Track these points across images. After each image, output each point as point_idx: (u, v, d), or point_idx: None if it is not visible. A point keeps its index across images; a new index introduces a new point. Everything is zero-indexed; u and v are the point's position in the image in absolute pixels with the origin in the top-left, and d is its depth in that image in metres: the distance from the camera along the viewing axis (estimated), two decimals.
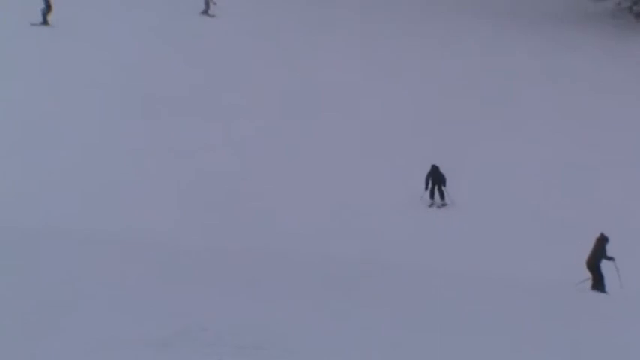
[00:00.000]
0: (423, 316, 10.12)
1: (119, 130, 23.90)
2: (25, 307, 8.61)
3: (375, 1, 40.06)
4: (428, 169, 21.66)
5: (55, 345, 7.42)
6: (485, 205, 21.52)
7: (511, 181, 23.04)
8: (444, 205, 21.83)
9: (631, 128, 27.74)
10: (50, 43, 30.42)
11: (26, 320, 8.17)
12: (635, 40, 37.59)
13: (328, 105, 27.38)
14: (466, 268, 16.42)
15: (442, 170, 21.66)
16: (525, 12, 40.39)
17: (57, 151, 21.89)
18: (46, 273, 10.55)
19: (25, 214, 17.56)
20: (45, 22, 31.56)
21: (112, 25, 32.38)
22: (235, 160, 22.84)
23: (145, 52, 30.22)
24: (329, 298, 10.88)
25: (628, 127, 27.75)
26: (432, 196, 21.89)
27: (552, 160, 24.60)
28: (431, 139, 25.23)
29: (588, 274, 16.11)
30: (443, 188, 21.77)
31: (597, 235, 16.21)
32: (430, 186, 21.77)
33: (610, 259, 15.94)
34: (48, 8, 31.46)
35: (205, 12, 35.30)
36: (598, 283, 16.03)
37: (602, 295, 15.81)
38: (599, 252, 15.99)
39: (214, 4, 35.33)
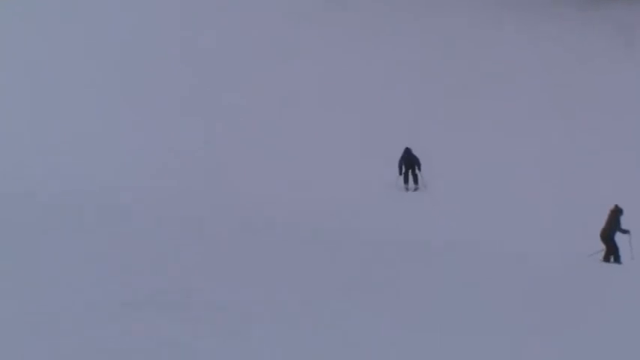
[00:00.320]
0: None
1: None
2: None
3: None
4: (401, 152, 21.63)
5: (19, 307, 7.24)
6: (477, 188, 21.60)
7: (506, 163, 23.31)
8: (416, 189, 21.65)
9: (611, 97, 28.07)
10: None
11: None
12: (610, 6, 37.12)
13: (328, 101, 27.49)
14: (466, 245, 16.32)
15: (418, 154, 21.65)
16: None
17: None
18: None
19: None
20: None
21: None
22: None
23: None
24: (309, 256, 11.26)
25: (608, 97, 28.05)
26: (405, 180, 21.67)
27: (541, 137, 25.08)
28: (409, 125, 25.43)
29: (602, 246, 16.18)
30: (417, 172, 21.57)
31: (612, 207, 16.33)
32: (404, 170, 21.60)
33: (625, 231, 16.01)
34: None
35: None
36: (613, 254, 16.12)
37: (615, 265, 15.87)
38: (613, 224, 16.07)
39: None
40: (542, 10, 33.97)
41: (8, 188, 16.94)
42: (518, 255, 14.96)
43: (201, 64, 29.70)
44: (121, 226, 12.60)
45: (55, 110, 25.11)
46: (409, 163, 21.56)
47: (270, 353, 6.75)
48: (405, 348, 7.47)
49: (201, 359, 6.39)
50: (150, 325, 6.95)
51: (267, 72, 29.57)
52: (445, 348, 7.68)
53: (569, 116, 26.76)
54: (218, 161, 22.46)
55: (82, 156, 21.82)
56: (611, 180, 21.60)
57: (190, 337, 6.78)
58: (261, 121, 25.72)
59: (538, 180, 22.21)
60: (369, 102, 27.80)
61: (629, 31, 32.07)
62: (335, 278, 10.36)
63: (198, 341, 6.71)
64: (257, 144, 24.11)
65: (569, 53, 31.05)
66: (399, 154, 21.86)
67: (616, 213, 16.15)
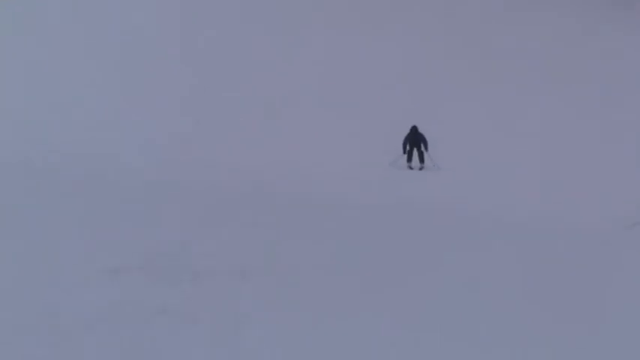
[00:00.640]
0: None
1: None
2: None
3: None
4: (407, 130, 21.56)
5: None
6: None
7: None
8: (422, 168, 21.47)
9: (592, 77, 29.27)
10: None
11: None
12: None
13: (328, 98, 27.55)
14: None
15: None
16: None
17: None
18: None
19: None
20: None
21: None
22: None
23: None
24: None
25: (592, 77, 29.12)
26: (409, 158, 21.49)
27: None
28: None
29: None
30: (423, 150, 21.43)
31: None
32: (408, 148, 21.44)
33: None
34: None
35: None
36: None
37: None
38: None
39: None
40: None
41: (8, 188, 16.95)
42: (519, 226, 14.74)
43: (201, 64, 29.75)
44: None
45: (55, 110, 25.14)
46: (414, 141, 21.36)
47: (263, 317, 6.74)
48: (405, 348, 7.47)
49: (194, 323, 6.36)
50: (141, 292, 6.95)
51: (267, 72, 29.62)
52: (445, 348, 7.68)
53: (571, 88, 27.92)
54: (218, 161, 22.45)
55: (82, 156, 21.82)
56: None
57: (181, 303, 6.76)
58: (261, 121, 25.75)
59: (538, 180, 22.28)
60: (369, 101, 27.86)
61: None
62: (335, 276, 10.32)
63: (189, 307, 6.70)
64: (257, 144, 24.13)
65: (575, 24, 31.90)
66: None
67: None
